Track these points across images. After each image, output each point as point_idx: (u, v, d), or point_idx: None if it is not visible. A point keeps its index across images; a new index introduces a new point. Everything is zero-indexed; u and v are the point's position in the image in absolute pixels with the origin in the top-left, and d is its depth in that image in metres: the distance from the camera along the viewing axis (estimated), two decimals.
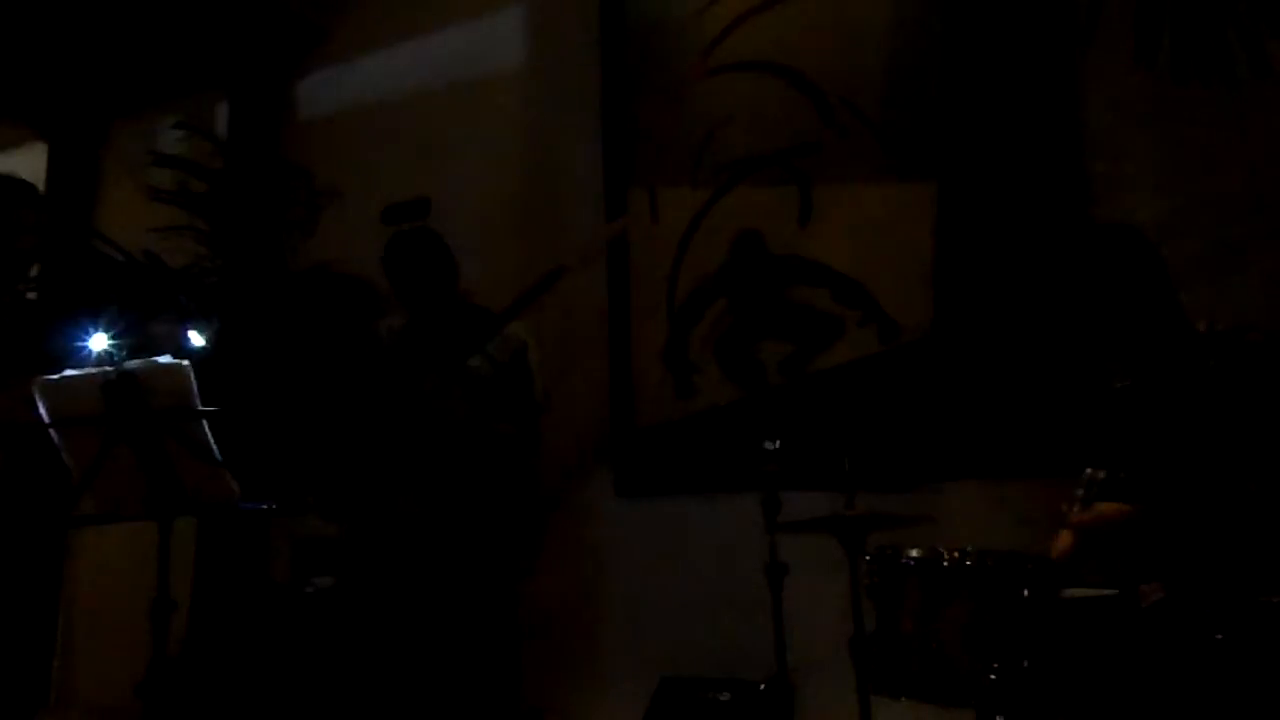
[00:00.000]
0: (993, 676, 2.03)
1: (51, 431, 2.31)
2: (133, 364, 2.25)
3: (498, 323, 3.11)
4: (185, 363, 2.27)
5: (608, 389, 3.88)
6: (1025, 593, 2.10)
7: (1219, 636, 1.85)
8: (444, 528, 3.07)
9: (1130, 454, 2.32)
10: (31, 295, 3.46)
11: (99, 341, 2.49)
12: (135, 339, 2.52)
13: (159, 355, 2.29)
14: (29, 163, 5.19)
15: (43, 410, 2.29)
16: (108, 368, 2.26)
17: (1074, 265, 2.32)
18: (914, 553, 2.26)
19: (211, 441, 2.29)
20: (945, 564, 2.19)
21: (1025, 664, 2.02)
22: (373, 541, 3.13)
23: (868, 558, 2.37)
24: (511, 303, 3.09)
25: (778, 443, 2.85)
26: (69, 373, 2.31)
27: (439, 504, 3.07)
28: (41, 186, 3.51)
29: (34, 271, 3.27)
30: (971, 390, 3.28)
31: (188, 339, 2.87)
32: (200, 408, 2.27)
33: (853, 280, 3.54)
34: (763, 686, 3.05)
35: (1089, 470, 2.36)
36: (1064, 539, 2.31)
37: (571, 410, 3.96)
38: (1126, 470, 2.32)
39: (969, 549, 2.19)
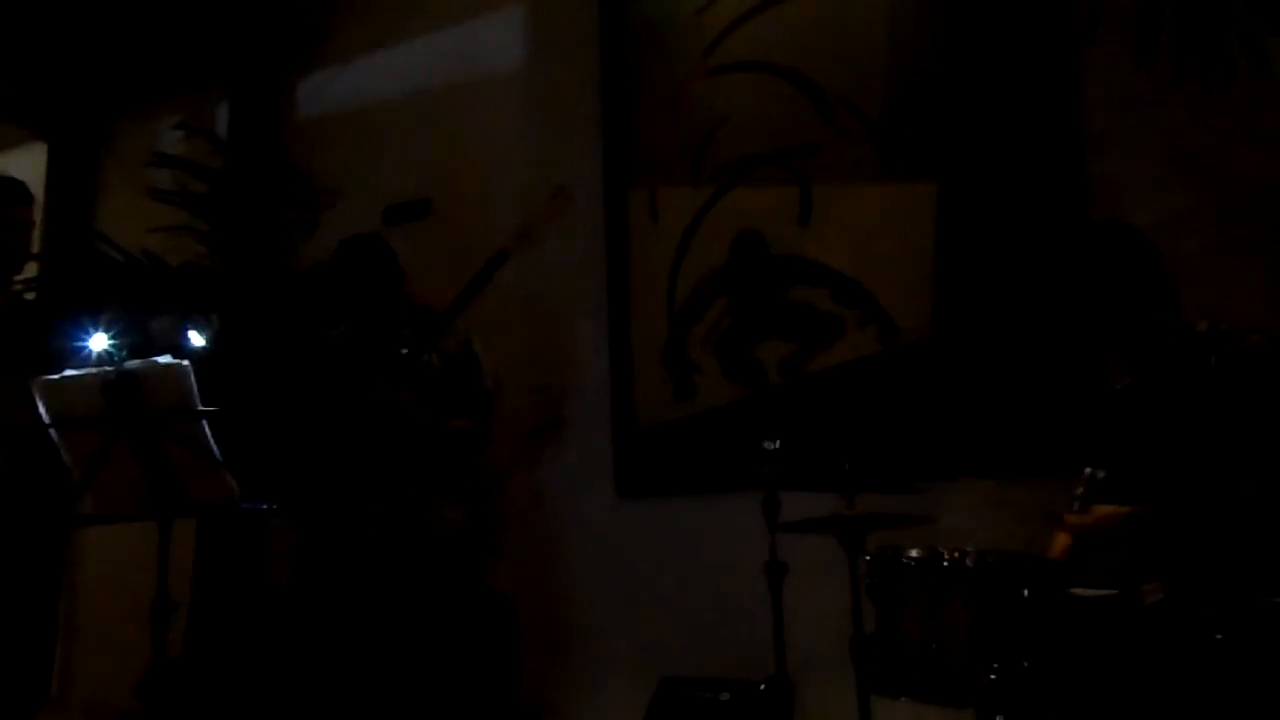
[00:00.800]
0: (993, 676, 2.03)
1: (51, 431, 2.31)
2: (133, 364, 2.25)
3: (446, 318, 3.14)
4: (185, 363, 2.27)
5: (608, 389, 3.88)
6: (1025, 593, 2.10)
7: (1219, 636, 1.85)
8: (405, 527, 3.10)
9: (1130, 454, 2.32)
10: (31, 295, 3.47)
11: (99, 341, 2.50)
12: (135, 339, 2.52)
13: (159, 355, 2.29)
14: (29, 163, 5.19)
15: (43, 410, 2.29)
16: (108, 368, 2.26)
17: (1070, 262, 2.32)
18: (914, 553, 2.26)
19: (211, 441, 2.28)
20: (945, 564, 2.19)
21: (1025, 664, 2.02)
22: (329, 544, 3.16)
23: (868, 558, 2.36)
24: (456, 296, 3.13)
25: (778, 443, 2.85)
26: (69, 373, 2.31)
27: (399, 504, 3.11)
28: (41, 186, 3.51)
29: (34, 271, 3.27)
30: (971, 390, 3.28)
31: (188, 339, 2.87)
32: (200, 408, 2.27)
33: (853, 280, 3.54)
34: (763, 686, 3.05)
35: (1088, 470, 2.36)
36: (1061, 540, 2.31)
37: (571, 411, 3.97)
38: (1126, 470, 2.32)
39: (969, 549, 2.19)
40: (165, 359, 2.27)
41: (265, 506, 2.46)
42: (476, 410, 3.29)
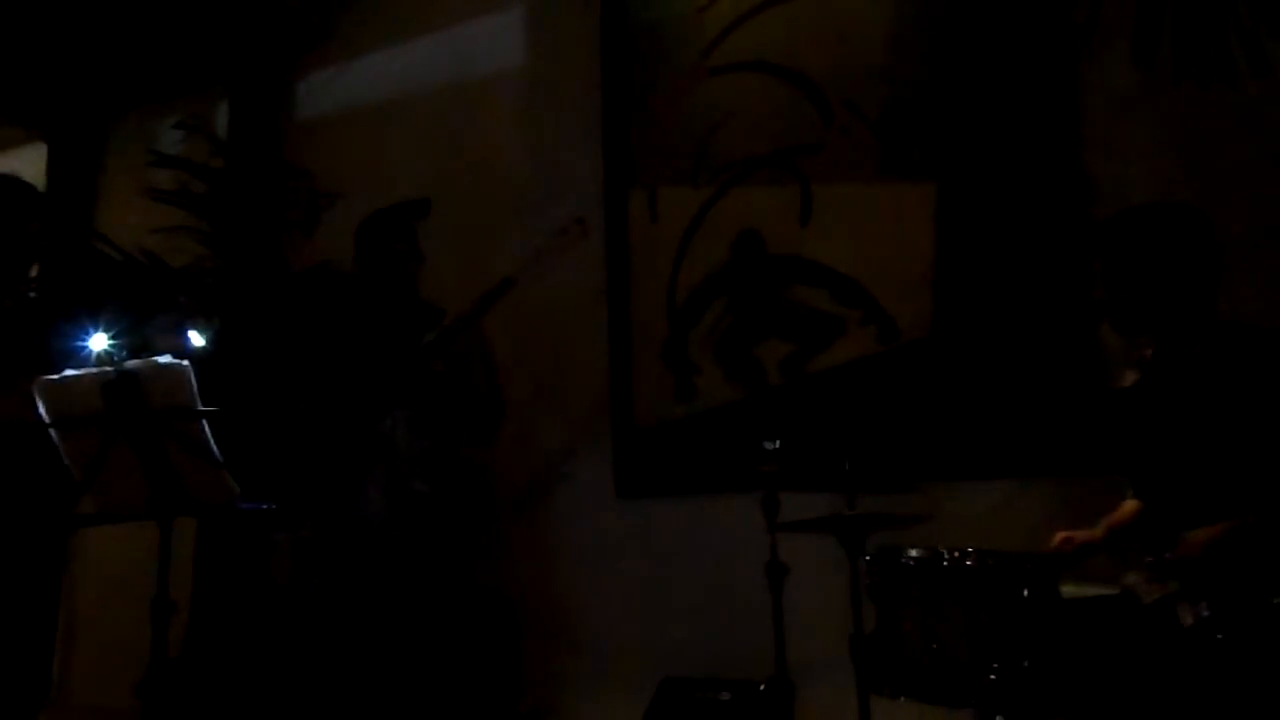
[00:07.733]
0: (993, 676, 2.03)
1: (51, 431, 2.31)
2: (133, 364, 2.25)
3: (454, 333, 3.18)
4: (185, 363, 2.27)
5: (607, 389, 3.88)
6: (1025, 593, 2.10)
7: (1219, 636, 1.85)
8: (410, 528, 3.11)
9: (1132, 453, 2.32)
10: (31, 295, 3.46)
11: (99, 341, 2.50)
12: (135, 339, 2.52)
13: (159, 355, 2.29)
14: (29, 163, 5.19)
15: (43, 410, 2.30)
16: (108, 368, 2.26)
17: (1140, 235, 2.27)
18: (914, 553, 2.26)
19: (211, 442, 2.29)
20: (945, 564, 2.19)
21: (1025, 664, 2.02)
22: (338, 543, 3.16)
23: (868, 558, 2.36)
24: (469, 311, 3.17)
25: (778, 443, 2.85)
26: (69, 373, 2.31)
27: (408, 504, 3.13)
28: (41, 186, 3.52)
29: (34, 271, 3.27)
30: (972, 390, 3.28)
31: (188, 339, 2.87)
32: (200, 408, 2.27)
33: (852, 280, 3.54)
34: (763, 686, 3.05)
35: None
36: (1082, 533, 2.31)
37: (572, 411, 3.97)
38: (1129, 470, 2.32)
39: (969, 549, 2.19)
40: (165, 359, 2.27)
41: (265, 506, 2.46)
42: (486, 411, 3.30)
